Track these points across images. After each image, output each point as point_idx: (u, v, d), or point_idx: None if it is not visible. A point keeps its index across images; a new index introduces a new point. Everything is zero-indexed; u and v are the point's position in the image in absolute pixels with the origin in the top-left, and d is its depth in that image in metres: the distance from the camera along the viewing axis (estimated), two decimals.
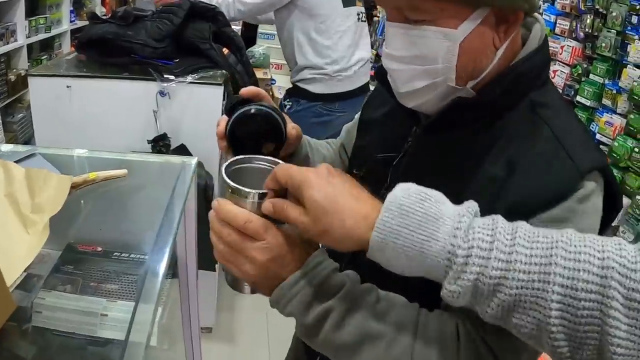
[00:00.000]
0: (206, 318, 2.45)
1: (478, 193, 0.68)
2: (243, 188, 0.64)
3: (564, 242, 0.53)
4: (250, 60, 3.73)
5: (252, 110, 0.82)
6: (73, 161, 1.24)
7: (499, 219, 0.58)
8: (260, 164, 0.73)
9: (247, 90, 0.87)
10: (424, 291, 0.65)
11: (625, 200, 2.10)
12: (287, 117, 0.88)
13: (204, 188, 1.78)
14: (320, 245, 0.70)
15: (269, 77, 3.55)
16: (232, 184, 0.64)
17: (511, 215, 0.61)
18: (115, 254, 1.31)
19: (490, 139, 0.73)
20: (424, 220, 0.57)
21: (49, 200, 1.01)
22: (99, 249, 1.33)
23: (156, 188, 1.21)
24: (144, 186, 1.20)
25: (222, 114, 0.88)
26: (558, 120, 0.72)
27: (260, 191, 0.64)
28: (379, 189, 0.78)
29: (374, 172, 0.87)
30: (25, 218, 0.97)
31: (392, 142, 0.86)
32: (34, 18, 3.74)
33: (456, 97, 0.74)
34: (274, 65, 3.63)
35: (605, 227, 0.72)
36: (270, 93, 3.53)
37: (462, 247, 0.55)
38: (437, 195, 0.59)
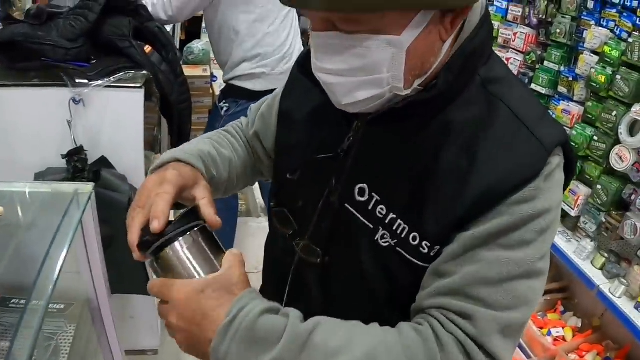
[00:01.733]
0: (150, 340, 2.31)
1: (441, 182, 0.68)
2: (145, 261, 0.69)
3: None
4: (189, 57, 3.54)
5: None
6: None
7: None
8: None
9: (159, 227, 0.69)
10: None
11: (585, 190, 2.04)
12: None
13: (128, 206, 1.58)
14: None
15: (209, 74, 3.34)
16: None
17: (480, 205, 0.65)
18: (14, 301, 1.12)
19: (443, 125, 0.70)
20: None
21: None
22: None
23: (47, 223, 1.00)
24: (32, 223, 1.00)
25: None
26: (512, 96, 0.70)
27: (152, 249, 0.67)
28: (321, 192, 0.79)
29: (311, 174, 0.81)
30: None
31: (329, 140, 0.79)
32: None
33: (408, 98, 0.68)
34: (215, 61, 3.42)
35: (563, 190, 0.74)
36: (211, 90, 3.33)
37: None
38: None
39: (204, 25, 3.67)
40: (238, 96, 2.27)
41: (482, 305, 0.64)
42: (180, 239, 0.67)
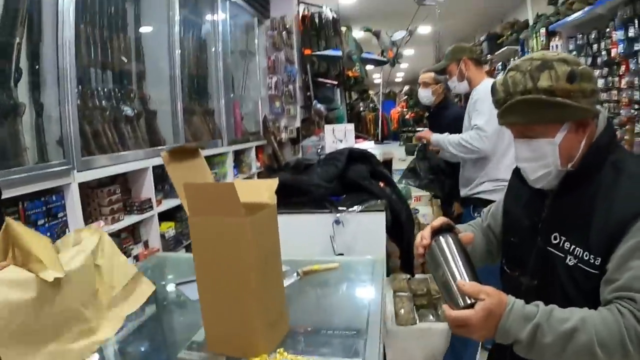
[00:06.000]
0: None
1: (596, 219, 1.11)
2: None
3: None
4: None
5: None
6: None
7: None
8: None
9: (428, 232, 1.27)
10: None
11: None
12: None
13: None
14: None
15: (413, 207, 3.97)
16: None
17: (618, 227, 1.06)
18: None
19: (592, 193, 1.14)
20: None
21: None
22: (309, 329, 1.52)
23: (357, 276, 1.60)
24: (347, 275, 1.60)
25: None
26: (630, 167, 1.14)
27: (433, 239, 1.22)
28: (532, 247, 1.26)
29: (524, 235, 1.30)
30: None
31: (532, 214, 1.28)
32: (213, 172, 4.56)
33: (564, 173, 1.18)
34: (415, 198, 4.06)
35: None
36: (417, 220, 3.93)
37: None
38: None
39: (394, 167, 4.39)
40: (483, 205, 2.73)
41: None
42: (448, 234, 1.19)
